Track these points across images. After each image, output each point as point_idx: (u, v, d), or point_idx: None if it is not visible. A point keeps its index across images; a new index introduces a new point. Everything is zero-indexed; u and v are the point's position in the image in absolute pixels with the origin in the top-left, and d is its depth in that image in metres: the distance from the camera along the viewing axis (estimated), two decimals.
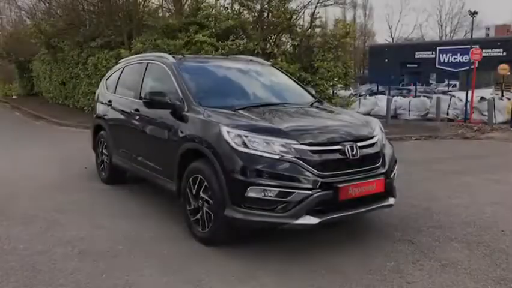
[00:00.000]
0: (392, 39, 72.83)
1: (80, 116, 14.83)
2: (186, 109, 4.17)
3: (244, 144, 3.51)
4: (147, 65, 5.17)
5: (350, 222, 4.32)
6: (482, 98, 15.48)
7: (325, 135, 3.70)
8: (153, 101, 4.34)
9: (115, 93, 5.82)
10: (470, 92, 15.07)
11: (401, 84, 35.42)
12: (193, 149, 3.96)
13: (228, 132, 3.60)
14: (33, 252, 3.73)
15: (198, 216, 3.88)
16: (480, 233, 4.12)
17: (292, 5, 13.41)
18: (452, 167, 7.44)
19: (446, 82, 41.18)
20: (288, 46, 13.23)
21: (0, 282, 3.21)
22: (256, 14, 13.67)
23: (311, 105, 4.74)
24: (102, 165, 6.06)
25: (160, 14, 15.43)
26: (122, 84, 5.71)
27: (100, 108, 6.14)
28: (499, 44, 42.32)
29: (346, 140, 3.69)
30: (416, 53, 54.91)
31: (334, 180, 3.48)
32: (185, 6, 14.58)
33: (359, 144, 3.72)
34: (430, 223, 4.39)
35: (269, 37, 13.48)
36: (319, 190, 3.40)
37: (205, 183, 3.75)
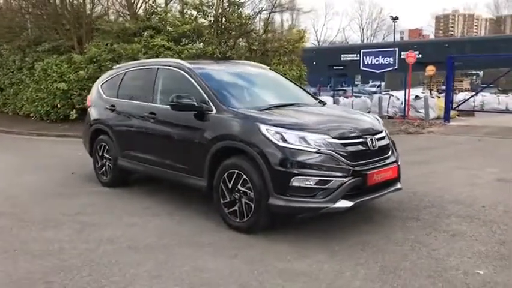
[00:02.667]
0: (318, 42, 75.92)
1: (28, 124, 14.33)
2: (214, 111, 4.54)
3: (284, 140, 3.97)
4: (157, 70, 5.43)
5: (358, 208, 4.90)
6: (417, 97, 17.02)
7: (349, 130, 4.26)
8: (180, 104, 4.64)
9: (117, 97, 5.98)
10: (405, 91, 16.48)
11: (328, 86, 37.18)
12: (228, 147, 4.34)
13: (267, 129, 4.05)
14: (84, 251, 3.91)
15: (235, 207, 4.27)
16: (467, 209, 4.89)
17: (246, 11, 13.94)
18: (414, 158, 8.32)
19: (370, 83, 44.03)
20: (244, 50, 13.74)
21: (74, 276, 3.41)
22: (211, 19, 14.05)
23: (321, 105, 5.29)
24: (103, 169, 6.18)
25: (112, 18, 15.24)
26: (127, 89, 5.90)
27: (98, 113, 6.25)
28: (415, 47, 46.00)
29: (366, 134, 4.28)
30: (342, 56, 57.93)
31: (362, 169, 4.05)
32: (140, 10, 14.59)
33: (376, 137, 4.34)
34: (423, 204, 5.10)
35: (226, 41, 13.92)
36: (351, 177, 3.95)
37: (244, 177, 4.16)
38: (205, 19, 14.04)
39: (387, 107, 17.22)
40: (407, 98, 16.38)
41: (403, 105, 16.65)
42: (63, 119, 14.16)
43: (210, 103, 4.60)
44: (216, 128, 4.46)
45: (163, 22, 14.23)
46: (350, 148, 4.08)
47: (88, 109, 6.64)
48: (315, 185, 3.89)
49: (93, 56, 13.39)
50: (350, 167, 3.98)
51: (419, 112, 16.44)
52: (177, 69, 5.16)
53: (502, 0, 77.62)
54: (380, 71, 40.80)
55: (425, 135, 12.23)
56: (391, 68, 41.52)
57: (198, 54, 13.09)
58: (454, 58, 15.02)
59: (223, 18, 14.09)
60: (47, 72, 13.99)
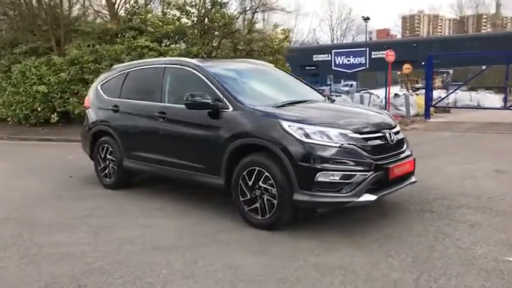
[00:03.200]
0: (290, 43, 76.39)
1: (6, 128, 13.89)
2: (231, 108, 4.51)
3: (307, 136, 3.98)
4: (164, 69, 5.36)
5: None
6: (396, 95, 17.39)
7: (368, 125, 4.31)
8: (195, 102, 4.59)
9: (120, 98, 5.87)
10: (386, 89, 16.81)
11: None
12: (248, 144, 4.32)
13: (289, 126, 4.05)
14: (107, 253, 3.82)
15: (257, 204, 4.25)
16: (477, 200, 5.02)
17: (230, 11, 13.92)
18: None
19: (342, 82, 44.66)
20: (229, 50, 13.70)
21: (107, 278, 3.32)
22: (194, 19, 13.95)
23: (330, 101, 5.34)
24: (105, 171, 6.04)
25: (90, 19, 14.94)
26: (131, 89, 5.79)
27: (99, 114, 6.12)
28: (385, 46, 46.98)
29: (384, 128, 4.35)
30: (314, 56, 58.47)
31: (383, 163, 4.11)
32: (121, 11, 14.34)
33: (393, 131, 4.41)
34: (432, 197, 5.21)
35: (210, 41, 13.86)
36: (374, 171, 4.00)
37: (266, 173, 4.15)
38: (188, 19, 13.93)
39: (368, 105, 17.53)
40: (387, 95, 16.72)
41: (383, 103, 16.99)
42: (43, 123, 13.78)
43: (226, 101, 4.57)
44: (234, 126, 4.43)
45: (145, 23, 14.04)
46: (370, 142, 4.13)
47: (87, 111, 6.49)
48: (339, 179, 3.92)
49: (74, 57, 13.08)
50: (372, 161, 4.03)
51: (399, 110, 16.79)
52: (187, 68, 5.11)
53: (465, 1, 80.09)
54: (352, 70, 41.56)
55: (409, 132, 12.45)
56: (363, 68, 42.21)
57: (182, 54, 12.97)
58: (434, 56, 15.38)
59: (207, 19, 14.01)
60: (26, 75, 13.55)
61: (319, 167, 3.89)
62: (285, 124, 4.08)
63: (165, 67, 5.39)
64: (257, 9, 13.96)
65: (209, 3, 14.27)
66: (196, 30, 13.97)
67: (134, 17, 14.05)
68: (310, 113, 4.46)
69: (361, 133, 4.13)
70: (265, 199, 4.19)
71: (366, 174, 3.96)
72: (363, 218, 4.49)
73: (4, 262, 3.70)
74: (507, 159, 7.55)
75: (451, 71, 37.53)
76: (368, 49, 38.65)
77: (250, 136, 4.31)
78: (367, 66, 36.32)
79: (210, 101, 4.58)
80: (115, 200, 5.53)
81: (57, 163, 8.30)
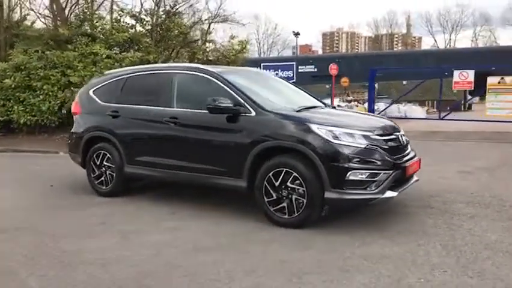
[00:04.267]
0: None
1: None
2: (253, 113, 4.69)
3: (336, 137, 4.29)
4: (173, 76, 5.40)
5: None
6: (339, 106, 18.38)
7: (384, 128, 4.71)
8: (219, 107, 4.71)
9: (118, 103, 5.78)
10: (331, 101, 17.74)
11: None
12: (273, 147, 4.52)
13: (318, 128, 4.34)
14: (150, 256, 3.83)
15: (284, 204, 4.46)
16: (462, 196, 5.59)
17: (185, 21, 13.95)
18: None
19: None
20: (186, 59, 13.67)
21: (171, 277, 3.36)
22: (149, 27, 13.80)
23: (333, 107, 5.69)
24: (101, 179, 5.90)
25: (34, 23, 14.22)
26: (132, 94, 5.74)
27: (94, 120, 5.98)
28: (311, 61, 49.17)
29: (396, 131, 4.77)
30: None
31: (400, 162, 4.52)
32: (71, 16, 13.79)
33: (401, 133, 4.85)
34: (424, 194, 5.69)
35: (165, 50, 13.78)
36: (394, 170, 4.39)
37: (294, 174, 4.37)
38: (142, 27, 13.75)
39: None
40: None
41: None
42: None
43: (247, 106, 4.74)
44: (259, 129, 4.61)
45: (95, 29, 13.66)
46: (389, 144, 4.52)
47: (76, 117, 6.30)
48: (366, 178, 4.25)
49: (21, 63, 12.37)
50: (392, 161, 4.42)
51: None
52: (202, 74, 5.21)
53: (381, 20, 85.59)
54: None
55: None
56: (292, 81, 43.86)
57: (138, 62, 12.79)
58: (376, 70, 16.49)
59: (161, 27, 13.91)
60: None
61: (350, 166, 4.20)
62: (315, 127, 4.35)
63: (174, 73, 5.44)
64: (213, 21, 14.13)
65: (162, 13, 14.23)
66: (151, 39, 13.82)
67: (85, 23, 13.60)
68: (331, 116, 4.78)
69: (381, 135, 4.52)
70: (293, 198, 4.41)
71: (388, 173, 4.33)
72: (371, 216, 4.84)
73: (42, 270, 3.57)
74: (463, 162, 8.37)
75: (376, 85, 40.03)
76: (295, 63, 40.23)
77: (279, 139, 4.51)
78: (294, 80, 37.78)
79: (232, 105, 4.73)
80: (123, 206, 5.45)
81: (29, 173, 7.89)
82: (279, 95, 5.51)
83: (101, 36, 13.47)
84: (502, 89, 14.33)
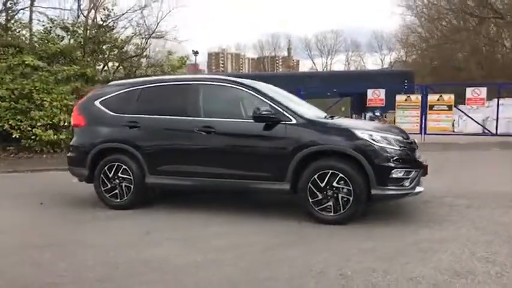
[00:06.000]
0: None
1: None
2: (294, 121, 5.07)
3: (377, 141, 4.86)
4: (199, 87, 5.56)
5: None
6: None
7: (403, 132, 5.41)
8: (264, 116, 5.03)
9: (135, 114, 5.72)
10: None
11: None
12: (321, 151, 4.94)
13: (362, 133, 4.88)
14: (237, 258, 3.97)
15: (329, 203, 4.88)
16: (449, 193, 6.37)
17: (120, 35, 13.62)
18: None
19: None
20: (124, 73, 13.29)
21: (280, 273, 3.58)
22: (81, 40, 13.22)
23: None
24: (114, 192, 5.73)
25: None
26: (152, 105, 5.73)
27: (105, 132, 5.84)
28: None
29: (409, 136, 5.51)
30: None
31: (421, 161, 5.23)
32: None
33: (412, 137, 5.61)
34: (425, 193, 5.91)
35: (99, 63, 13.32)
36: (420, 168, 5.08)
37: (340, 175, 4.84)
38: (74, 40, 13.13)
39: None
40: None
41: None
42: None
43: (287, 114, 5.11)
44: (305, 136, 4.99)
45: (18, 39, 12.75)
46: (411, 146, 5.22)
47: (79, 130, 6.04)
48: (402, 175, 4.87)
49: None
50: (417, 160, 5.12)
51: None
52: (233, 86, 5.46)
53: (265, 43, 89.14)
54: None
55: None
56: None
57: (75, 75, 12.24)
58: (303, 90, 17.55)
59: (94, 41, 13.42)
60: None
61: (392, 165, 4.80)
62: (358, 132, 4.88)
63: (200, 84, 5.59)
64: (150, 36, 13.92)
65: (93, 26, 13.76)
66: (83, 51, 13.25)
67: (9, 32, 12.61)
68: (360, 123, 5.35)
69: (406, 138, 5.21)
70: (339, 197, 4.86)
71: (418, 171, 5.01)
72: (379, 217, 5.37)
73: (115, 282, 3.50)
74: None
75: None
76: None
77: (325, 144, 4.94)
78: None
79: (273, 114, 5.07)
80: (155, 217, 5.41)
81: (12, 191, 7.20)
82: (296, 103, 5.93)
83: (29, 46, 12.61)
84: (408, 105, 16.44)
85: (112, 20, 13.94)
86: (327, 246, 4.22)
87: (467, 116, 17.63)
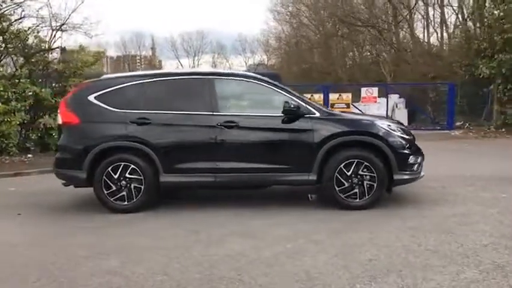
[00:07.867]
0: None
1: None
2: (317, 114, 5.30)
3: (394, 130, 5.35)
4: (214, 81, 5.43)
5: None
6: None
7: (402, 124, 6.00)
8: (292, 110, 5.16)
9: (145, 110, 5.35)
10: None
11: None
12: (347, 142, 5.24)
13: (382, 123, 5.32)
14: (294, 252, 4.08)
15: (355, 190, 5.22)
16: (444, 179, 6.90)
17: (21, 26, 11.99)
18: None
19: None
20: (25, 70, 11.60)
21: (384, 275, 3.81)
22: None
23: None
24: (121, 194, 5.29)
25: None
26: (162, 100, 5.43)
27: (108, 129, 5.38)
28: None
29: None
30: None
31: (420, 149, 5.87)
32: None
33: None
34: (425, 179, 5.97)
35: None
36: (422, 155, 5.70)
37: (365, 163, 5.21)
38: None
39: None
40: None
41: None
42: None
43: (310, 108, 5.32)
44: (330, 128, 5.25)
45: None
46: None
47: (70, 128, 5.42)
48: (413, 161, 5.41)
49: None
50: (420, 148, 5.74)
51: None
52: (251, 81, 5.49)
53: (128, 42, 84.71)
54: None
55: None
56: None
57: None
58: None
59: None
60: None
61: (408, 152, 5.32)
62: (379, 123, 5.32)
63: (213, 79, 5.46)
64: (59, 28, 12.43)
65: None
66: None
67: None
68: (367, 116, 5.79)
69: (405, 128, 5.81)
70: (365, 184, 5.23)
71: (422, 156, 5.62)
72: (385, 200, 5.92)
73: (244, 270, 3.46)
74: None
75: None
76: None
77: (351, 134, 5.26)
78: None
79: (300, 108, 5.23)
80: (172, 219, 5.12)
81: None
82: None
83: None
84: (340, 103, 17.55)
85: (6, 8, 12.27)
86: (380, 227, 4.54)
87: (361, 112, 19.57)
